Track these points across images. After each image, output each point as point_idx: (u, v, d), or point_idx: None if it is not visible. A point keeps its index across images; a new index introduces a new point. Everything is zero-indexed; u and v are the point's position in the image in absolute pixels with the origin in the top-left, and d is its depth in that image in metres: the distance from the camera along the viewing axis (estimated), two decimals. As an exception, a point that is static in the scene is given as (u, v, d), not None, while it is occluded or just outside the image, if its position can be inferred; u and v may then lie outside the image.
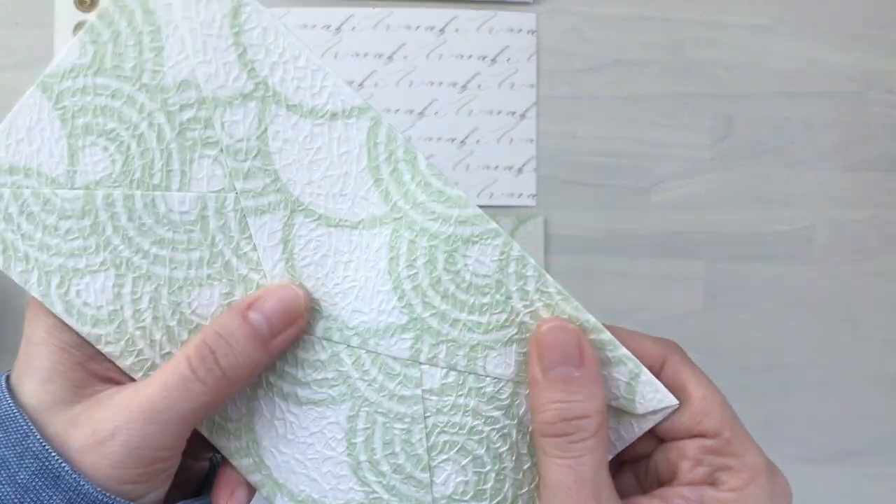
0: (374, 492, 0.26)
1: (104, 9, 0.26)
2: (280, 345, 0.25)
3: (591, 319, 0.26)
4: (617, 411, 0.26)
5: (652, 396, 0.26)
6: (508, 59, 0.49)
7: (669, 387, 0.26)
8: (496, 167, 0.49)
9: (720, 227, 0.50)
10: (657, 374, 0.26)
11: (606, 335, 0.26)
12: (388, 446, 0.26)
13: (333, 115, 0.25)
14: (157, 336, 0.26)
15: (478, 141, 0.49)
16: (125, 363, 0.26)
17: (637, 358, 0.26)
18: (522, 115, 0.49)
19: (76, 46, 0.25)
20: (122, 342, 0.26)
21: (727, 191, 0.50)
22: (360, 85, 0.49)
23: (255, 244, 0.26)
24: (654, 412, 0.26)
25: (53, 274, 0.26)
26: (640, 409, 0.26)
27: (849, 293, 0.50)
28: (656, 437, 0.27)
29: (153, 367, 0.26)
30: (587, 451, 0.24)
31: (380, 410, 0.26)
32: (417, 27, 0.49)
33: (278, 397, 0.26)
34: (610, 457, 0.26)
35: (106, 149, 0.26)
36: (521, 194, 0.49)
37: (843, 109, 0.50)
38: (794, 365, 0.50)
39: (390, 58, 0.49)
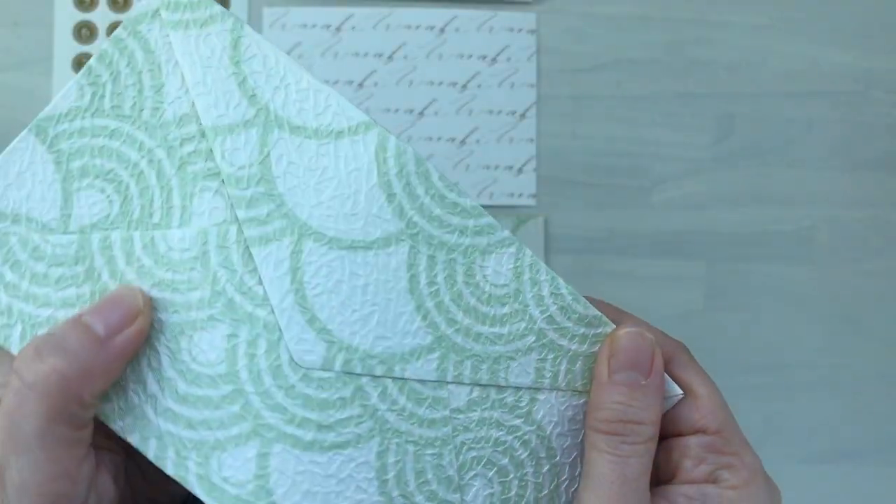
0: None
1: (103, 51, 0.25)
2: (122, 345, 0.23)
3: (598, 314, 0.26)
4: None
5: None
6: (508, 59, 0.49)
7: (676, 382, 0.27)
8: (496, 167, 0.49)
9: (720, 227, 0.50)
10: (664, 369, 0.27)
11: (610, 328, 0.26)
12: (421, 475, 0.25)
13: (339, 134, 0.24)
14: (153, 389, 0.24)
15: (478, 141, 0.49)
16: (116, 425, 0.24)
17: None
18: (522, 115, 0.49)
19: (73, 89, 0.25)
20: (116, 399, 0.24)
21: (728, 191, 0.50)
22: (360, 85, 0.49)
23: (260, 277, 0.24)
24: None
25: (40, 327, 0.24)
26: None
27: (849, 293, 0.50)
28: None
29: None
30: (636, 455, 0.24)
31: (410, 440, 0.25)
32: (417, 27, 0.49)
33: (297, 448, 0.24)
34: None
35: (103, 190, 0.24)
36: (521, 194, 0.49)
37: (843, 109, 0.50)
38: (795, 365, 0.50)
39: (390, 58, 0.49)
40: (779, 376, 0.50)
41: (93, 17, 0.49)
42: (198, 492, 0.24)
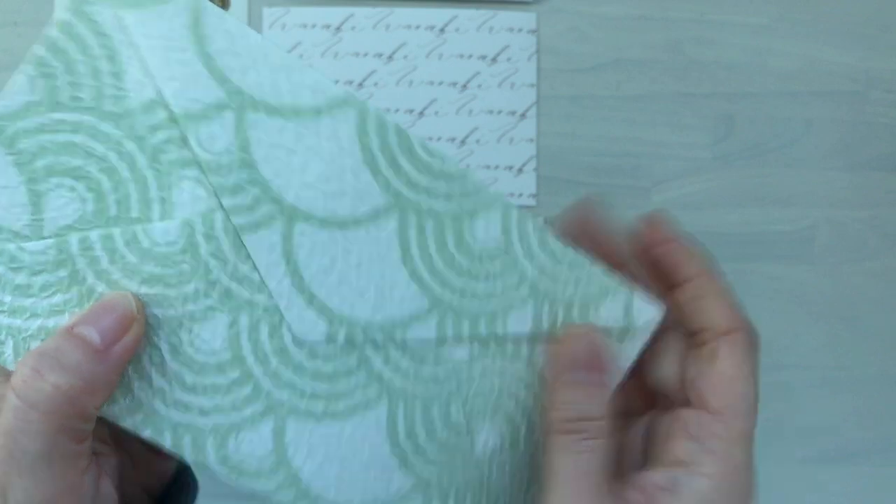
0: (422, 475, 0.26)
1: (50, 37, 0.23)
2: (121, 354, 0.23)
3: (586, 258, 0.27)
4: (620, 333, 0.27)
5: (646, 309, 0.27)
6: (508, 59, 0.49)
7: (717, 358, 0.27)
8: (496, 167, 0.49)
9: (720, 227, 0.50)
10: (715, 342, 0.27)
11: (599, 268, 0.27)
12: (430, 427, 0.26)
13: (318, 112, 0.24)
14: (160, 383, 0.24)
15: (478, 141, 0.49)
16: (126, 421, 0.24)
17: (709, 324, 0.27)
18: (522, 115, 0.49)
19: (23, 83, 0.23)
20: (122, 399, 0.24)
21: (728, 191, 0.50)
22: (360, 85, 0.49)
23: (254, 264, 0.24)
24: (650, 323, 0.28)
25: (33, 339, 0.23)
26: (639, 324, 0.27)
27: (849, 293, 0.50)
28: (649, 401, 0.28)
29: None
30: (592, 450, 0.25)
31: (417, 397, 0.26)
32: (417, 27, 0.49)
33: (311, 420, 0.25)
34: (622, 378, 0.27)
35: (73, 189, 0.23)
36: (521, 194, 0.49)
37: (843, 109, 0.50)
38: (795, 365, 0.50)
39: (390, 57, 0.49)
40: (779, 376, 0.50)
41: (93, 17, 0.49)
42: (220, 473, 0.25)
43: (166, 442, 0.24)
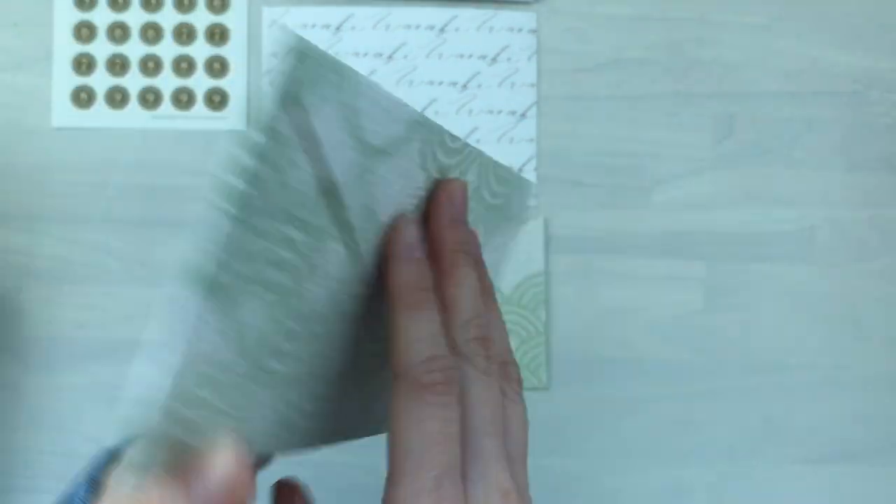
0: None
1: (244, 166, 0.20)
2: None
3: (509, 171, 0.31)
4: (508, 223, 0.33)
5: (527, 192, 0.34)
6: (509, 59, 0.49)
7: None
8: (496, 167, 0.49)
9: (721, 227, 0.50)
10: None
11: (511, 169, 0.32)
12: None
13: (408, 140, 0.26)
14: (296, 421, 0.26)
15: (478, 141, 0.49)
16: None
17: None
18: (522, 115, 0.49)
19: (220, 218, 0.20)
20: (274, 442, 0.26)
21: (728, 191, 0.50)
22: (360, 85, 0.49)
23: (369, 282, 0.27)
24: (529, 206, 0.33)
25: (238, 421, 0.22)
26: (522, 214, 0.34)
27: (849, 293, 0.50)
28: None
29: None
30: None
31: None
32: (417, 26, 0.49)
33: (370, 356, 0.29)
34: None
35: (262, 297, 0.22)
36: (521, 194, 0.49)
37: (843, 109, 0.50)
38: (795, 365, 0.50)
39: (390, 57, 0.49)
40: (779, 376, 0.50)
41: (92, 16, 0.49)
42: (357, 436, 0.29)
43: (312, 448, 0.27)
